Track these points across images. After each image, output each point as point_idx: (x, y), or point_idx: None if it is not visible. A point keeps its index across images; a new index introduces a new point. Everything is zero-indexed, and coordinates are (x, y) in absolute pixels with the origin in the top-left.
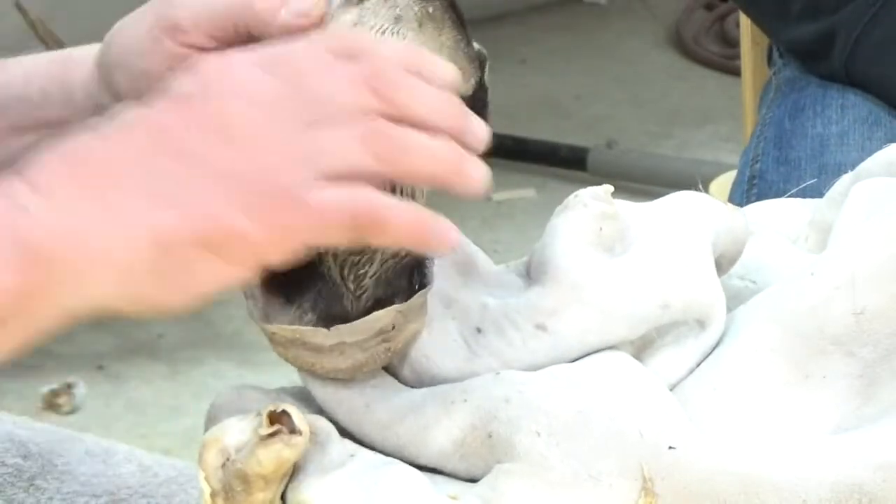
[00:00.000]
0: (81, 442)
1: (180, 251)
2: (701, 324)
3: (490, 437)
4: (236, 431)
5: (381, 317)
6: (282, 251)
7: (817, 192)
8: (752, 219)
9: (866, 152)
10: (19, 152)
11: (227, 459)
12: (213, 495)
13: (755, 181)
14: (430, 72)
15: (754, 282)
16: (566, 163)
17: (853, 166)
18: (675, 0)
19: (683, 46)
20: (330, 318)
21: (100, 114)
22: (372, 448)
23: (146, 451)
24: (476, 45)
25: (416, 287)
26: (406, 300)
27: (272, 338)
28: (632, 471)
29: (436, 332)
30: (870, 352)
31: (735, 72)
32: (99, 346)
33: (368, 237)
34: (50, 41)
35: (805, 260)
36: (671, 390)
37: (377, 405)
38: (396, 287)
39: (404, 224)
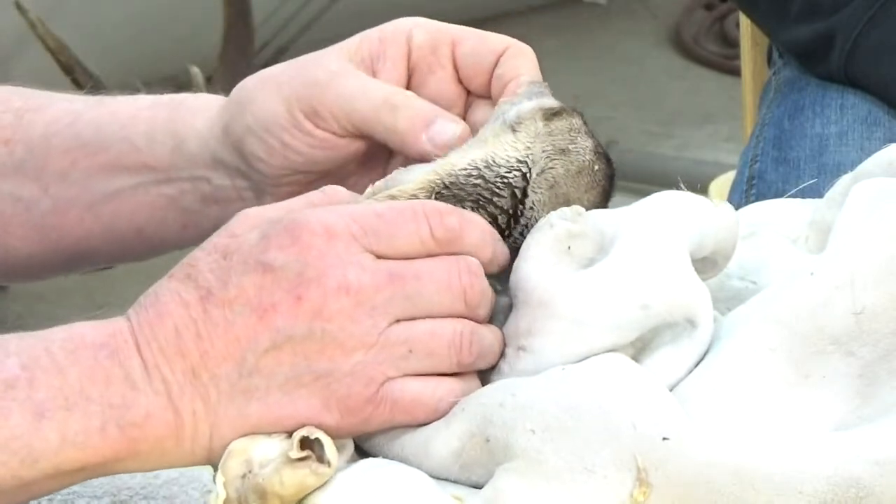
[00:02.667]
0: None
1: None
2: (691, 322)
3: (488, 441)
4: (264, 447)
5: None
6: (362, 432)
7: (817, 192)
8: (752, 219)
9: (865, 152)
10: (112, 194)
11: (249, 471)
12: (227, 502)
13: (754, 181)
14: (493, 262)
15: (754, 282)
16: None
17: (852, 166)
18: (675, 0)
19: (683, 46)
20: None
21: (216, 168)
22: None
23: None
24: None
25: None
26: None
27: None
28: (626, 462)
29: None
30: (869, 351)
31: (735, 72)
32: None
33: None
34: (49, 41)
35: (805, 260)
36: (671, 390)
37: None
38: None
39: None
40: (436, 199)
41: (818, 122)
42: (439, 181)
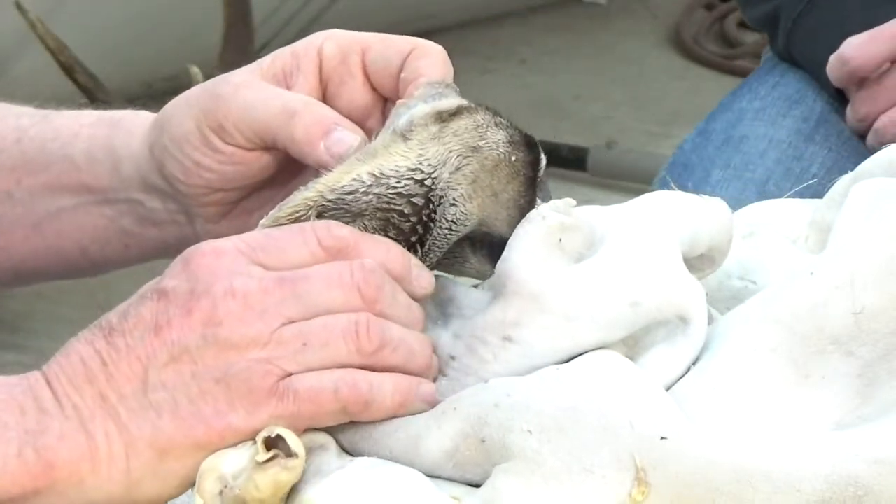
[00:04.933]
0: None
1: (178, 453)
2: (684, 320)
3: (483, 442)
4: (233, 458)
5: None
6: (271, 425)
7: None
8: (751, 219)
9: (775, 127)
10: (55, 214)
11: (225, 486)
12: None
13: (677, 151)
14: (411, 281)
15: (754, 282)
16: (566, 163)
17: (756, 139)
18: (675, 0)
19: (683, 46)
20: None
21: (147, 191)
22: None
23: None
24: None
25: None
26: None
27: None
28: (624, 462)
29: None
30: (869, 351)
31: (735, 72)
32: None
33: (357, 416)
34: (49, 41)
35: (805, 260)
36: (669, 389)
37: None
38: None
39: (388, 398)
40: (322, 216)
41: (747, 98)
42: (319, 197)
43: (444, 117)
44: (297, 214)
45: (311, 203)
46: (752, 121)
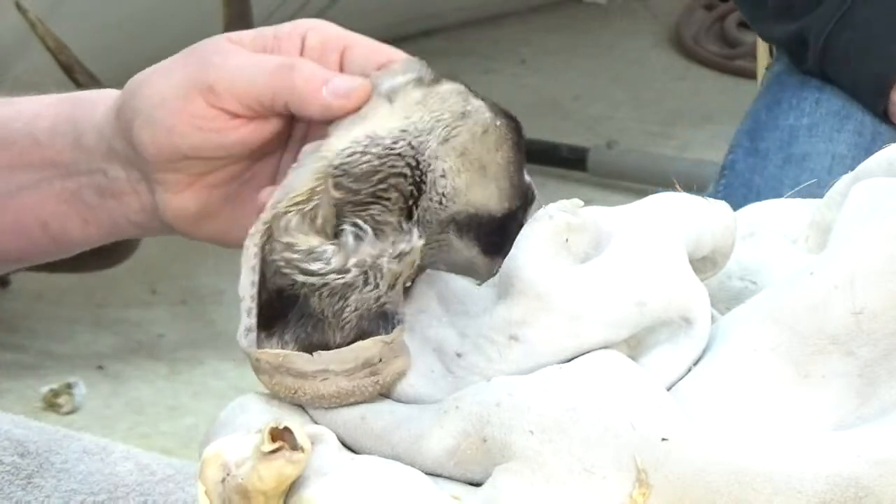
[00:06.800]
0: (79, 440)
1: None
2: (687, 320)
3: (485, 441)
4: (237, 447)
5: (368, 346)
6: None
7: (812, 191)
8: (752, 219)
9: (833, 143)
10: (15, 191)
11: (228, 474)
12: None
13: (725, 171)
14: None
15: (754, 282)
16: (566, 163)
17: (819, 157)
18: (675, 0)
19: (683, 46)
20: (311, 347)
21: (110, 160)
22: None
23: (144, 451)
24: (528, 180)
25: (391, 328)
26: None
27: (256, 365)
28: (625, 463)
29: (419, 364)
30: (869, 351)
31: (735, 72)
32: (99, 346)
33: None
34: (49, 40)
35: (805, 260)
36: (669, 390)
37: (371, 416)
38: (375, 326)
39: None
40: (335, 186)
41: (792, 114)
42: (328, 166)
43: (426, 82)
44: (316, 185)
45: (322, 174)
46: (807, 138)
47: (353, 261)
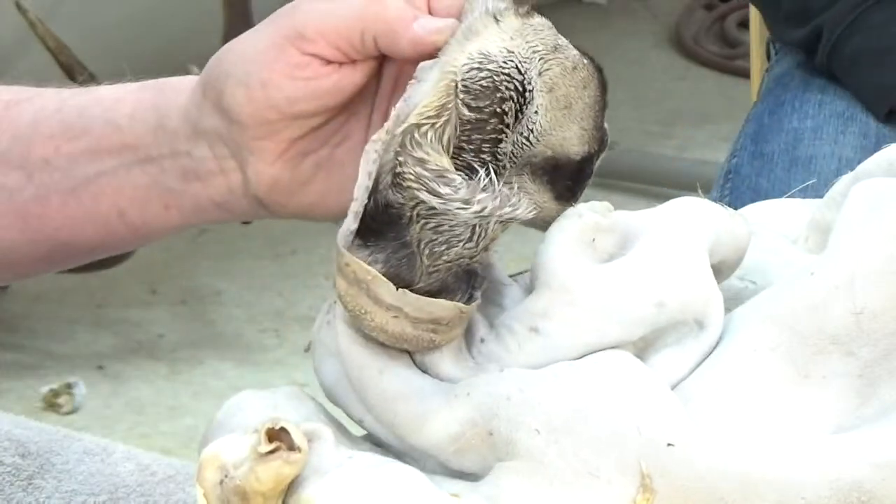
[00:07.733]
0: (79, 441)
1: None
2: (700, 324)
3: (491, 434)
4: (234, 448)
5: (446, 307)
6: None
7: (808, 190)
8: (752, 219)
9: (839, 146)
10: (93, 178)
11: (226, 476)
12: None
13: (730, 175)
14: None
15: (754, 282)
16: None
17: (825, 159)
18: (675, 0)
19: (683, 46)
20: (396, 279)
21: (196, 138)
22: (364, 420)
23: (145, 451)
24: (606, 126)
25: (467, 299)
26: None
27: (343, 269)
28: (630, 467)
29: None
30: (869, 351)
31: (735, 72)
32: (99, 346)
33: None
34: (49, 40)
35: (805, 260)
36: (672, 390)
37: (389, 374)
38: (458, 284)
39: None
40: (462, 100)
41: (796, 116)
42: (454, 80)
43: (523, 13)
44: (447, 101)
45: (450, 88)
46: (812, 140)
47: (477, 198)
